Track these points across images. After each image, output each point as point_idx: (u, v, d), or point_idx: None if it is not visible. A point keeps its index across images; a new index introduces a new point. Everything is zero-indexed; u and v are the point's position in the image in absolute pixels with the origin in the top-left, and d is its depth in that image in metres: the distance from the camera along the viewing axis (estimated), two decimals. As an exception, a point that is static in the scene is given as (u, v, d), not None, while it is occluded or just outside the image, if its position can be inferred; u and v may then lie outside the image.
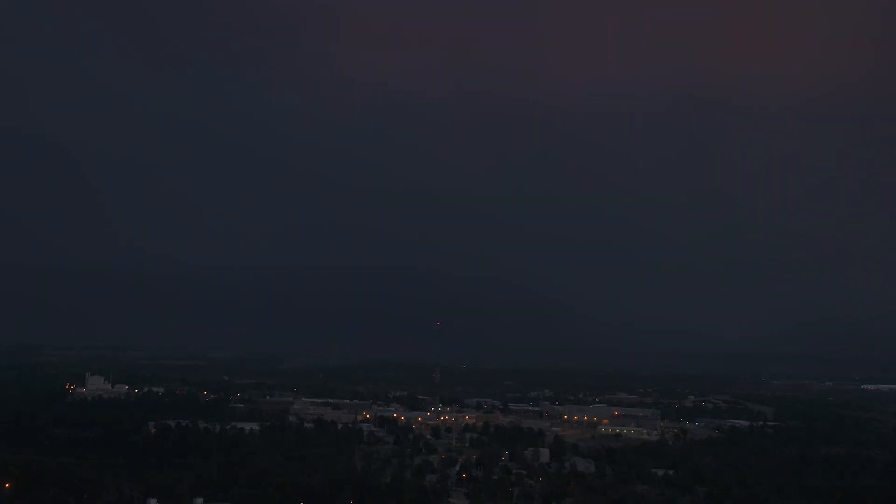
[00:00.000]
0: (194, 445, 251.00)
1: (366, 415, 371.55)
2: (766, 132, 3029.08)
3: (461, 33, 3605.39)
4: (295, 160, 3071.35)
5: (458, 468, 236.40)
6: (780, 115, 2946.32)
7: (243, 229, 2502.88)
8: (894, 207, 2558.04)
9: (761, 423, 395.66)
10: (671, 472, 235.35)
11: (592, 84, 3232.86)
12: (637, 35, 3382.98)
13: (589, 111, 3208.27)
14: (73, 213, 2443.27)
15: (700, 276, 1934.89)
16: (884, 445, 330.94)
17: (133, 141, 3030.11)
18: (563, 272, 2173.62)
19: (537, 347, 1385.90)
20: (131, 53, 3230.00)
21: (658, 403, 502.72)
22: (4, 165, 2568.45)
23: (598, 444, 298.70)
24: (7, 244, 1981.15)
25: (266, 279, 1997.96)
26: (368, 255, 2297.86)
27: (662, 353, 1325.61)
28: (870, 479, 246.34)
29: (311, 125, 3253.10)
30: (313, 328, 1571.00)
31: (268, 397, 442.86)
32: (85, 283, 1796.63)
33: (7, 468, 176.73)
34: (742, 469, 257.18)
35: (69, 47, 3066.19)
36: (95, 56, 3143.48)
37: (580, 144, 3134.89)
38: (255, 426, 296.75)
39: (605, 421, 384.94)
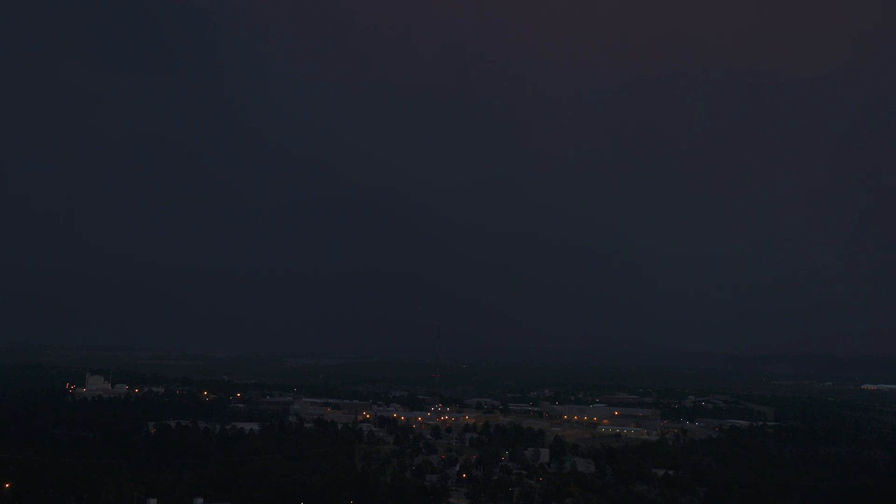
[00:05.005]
0: (194, 445, 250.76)
1: (366, 415, 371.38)
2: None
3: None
4: (293, 162, 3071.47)
5: (458, 468, 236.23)
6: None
7: (243, 230, 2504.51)
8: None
9: (761, 423, 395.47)
10: (671, 472, 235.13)
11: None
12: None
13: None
14: (73, 215, 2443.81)
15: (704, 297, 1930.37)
16: (884, 445, 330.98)
17: (131, 143, 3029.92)
18: (562, 275, 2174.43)
19: (537, 347, 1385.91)
20: (129, 55, 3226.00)
21: (658, 403, 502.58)
22: (5, 165, 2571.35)
23: (598, 444, 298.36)
24: (7, 245, 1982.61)
25: (266, 279, 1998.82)
26: (369, 256, 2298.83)
27: (662, 353, 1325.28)
28: (870, 479, 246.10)
29: (311, 127, 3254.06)
30: (313, 328, 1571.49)
31: (268, 397, 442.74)
32: (85, 283, 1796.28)
33: (7, 468, 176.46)
34: (742, 469, 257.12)
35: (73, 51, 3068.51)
36: (96, 58, 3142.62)
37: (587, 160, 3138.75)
38: (255, 426, 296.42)
39: (605, 421, 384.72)
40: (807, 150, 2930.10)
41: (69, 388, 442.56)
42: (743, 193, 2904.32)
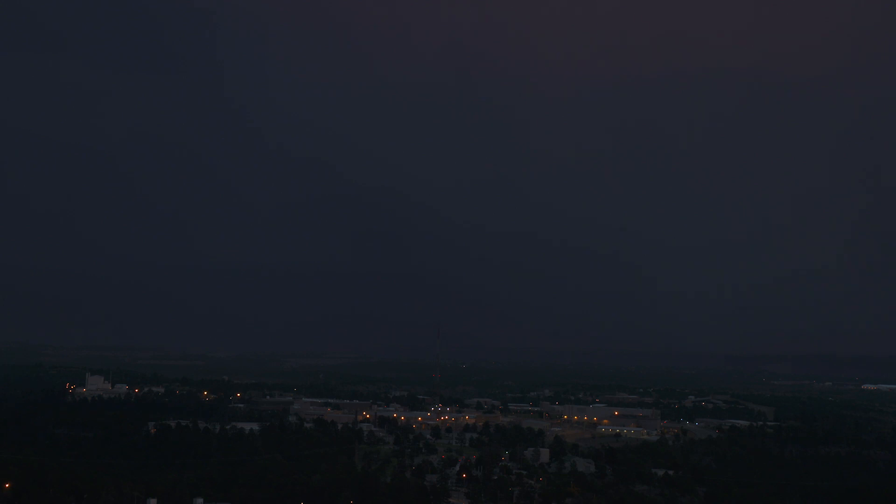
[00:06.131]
0: (194, 445, 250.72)
1: (366, 415, 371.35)
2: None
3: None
4: (294, 162, 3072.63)
5: (458, 468, 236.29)
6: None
7: (243, 230, 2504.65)
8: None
9: (761, 423, 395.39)
10: (671, 472, 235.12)
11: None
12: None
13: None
14: (73, 216, 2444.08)
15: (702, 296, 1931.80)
16: (884, 445, 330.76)
17: (131, 143, 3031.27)
18: (562, 275, 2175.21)
19: (537, 347, 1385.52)
20: (129, 55, 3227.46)
21: (658, 403, 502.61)
22: (5, 165, 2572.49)
23: (598, 444, 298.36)
24: (8, 245, 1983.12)
25: (266, 279, 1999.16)
26: (369, 256, 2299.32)
27: (662, 353, 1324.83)
28: (870, 479, 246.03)
29: (311, 127, 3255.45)
30: (313, 328, 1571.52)
31: (268, 397, 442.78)
32: (85, 283, 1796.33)
33: (7, 468, 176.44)
34: (742, 469, 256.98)
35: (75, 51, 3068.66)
36: (96, 58, 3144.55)
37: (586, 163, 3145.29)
38: (255, 426, 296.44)
39: (605, 421, 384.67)
40: (807, 150, 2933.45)
41: (69, 388, 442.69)
42: (743, 193, 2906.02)
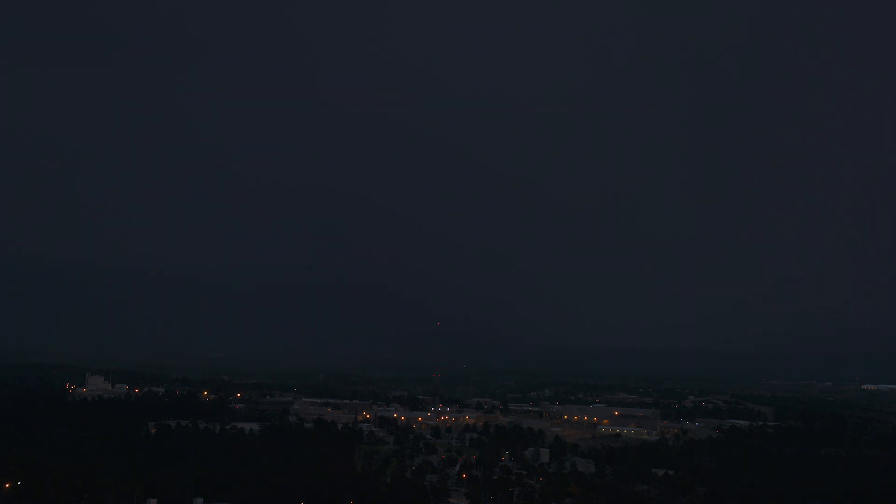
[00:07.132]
0: (194, 445, 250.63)
1: (366, 415, 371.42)
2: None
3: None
4: (294, 166, 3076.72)
5: (458, 468, 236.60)
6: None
7: (243, 231, 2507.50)
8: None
9: (761, 423, 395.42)
10: (671, 472, 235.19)
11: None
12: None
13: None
14: (73, 216, 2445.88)
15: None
16: (884, 445, 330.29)
17: (134, 147, 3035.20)
18: (561, 272, 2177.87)
19: (537, 347, 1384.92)
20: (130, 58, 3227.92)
21: (658, 403, 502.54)
22: (8, 168, 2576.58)
23: (598, 444, 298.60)
24: (8, 245, 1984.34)
25: (265, 280, 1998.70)
26: (369, 257, 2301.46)
27: (663, 353, 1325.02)
28: (870, 479, 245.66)
29: (314, 130, 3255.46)
30: (313, 328, 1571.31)
31: (268, 397, 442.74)
32: (84, 283, 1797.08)
33: (7, 468, 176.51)
34: (742, 469, 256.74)
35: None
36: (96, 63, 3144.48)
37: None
38: (255, 426, 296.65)
39: (605, 421, 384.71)
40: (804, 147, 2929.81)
41: (69, 388, 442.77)
42: (744, 198, 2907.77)
